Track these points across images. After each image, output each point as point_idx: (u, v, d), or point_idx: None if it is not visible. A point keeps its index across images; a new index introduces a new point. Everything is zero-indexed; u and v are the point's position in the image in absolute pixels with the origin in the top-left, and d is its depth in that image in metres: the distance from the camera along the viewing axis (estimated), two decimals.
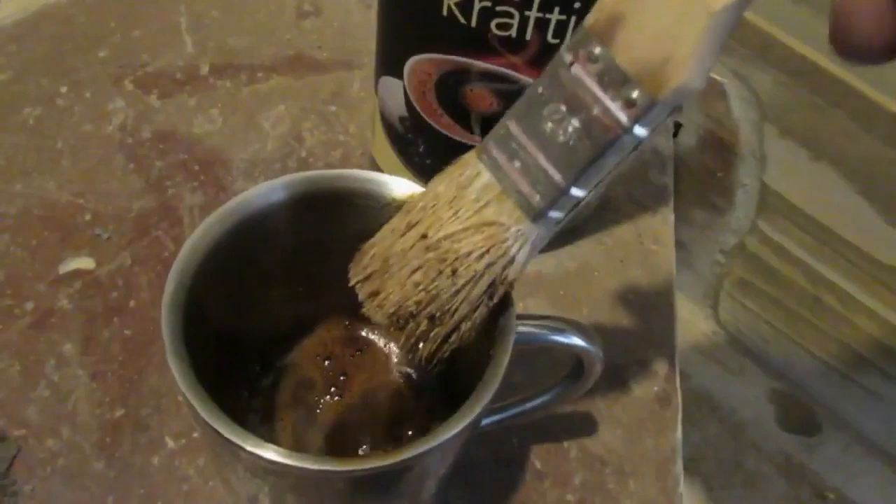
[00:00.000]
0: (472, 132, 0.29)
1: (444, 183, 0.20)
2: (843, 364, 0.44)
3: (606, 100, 0.17)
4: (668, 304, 0.35)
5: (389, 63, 0.29)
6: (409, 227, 0.20)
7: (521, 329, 0.22)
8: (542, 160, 0.18)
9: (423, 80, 0.28)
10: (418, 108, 0.29)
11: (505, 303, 0.22)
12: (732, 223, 0.43)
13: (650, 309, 0.35)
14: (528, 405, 0.26)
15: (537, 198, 0.19)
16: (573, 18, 0.24)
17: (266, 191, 0.22)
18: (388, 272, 0.20)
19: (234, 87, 0.40)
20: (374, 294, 0.21)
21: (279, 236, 0.23)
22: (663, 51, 0.16)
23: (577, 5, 0.24)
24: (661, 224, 0.37)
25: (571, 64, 0.18)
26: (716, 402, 0.47)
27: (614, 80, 0.17)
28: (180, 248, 0.33)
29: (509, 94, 0.27)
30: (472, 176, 0.19)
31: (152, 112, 0.38)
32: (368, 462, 0.18)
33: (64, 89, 0.38)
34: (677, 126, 0.42)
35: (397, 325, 0.20)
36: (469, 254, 0.19)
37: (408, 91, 0.29)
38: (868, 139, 0.36)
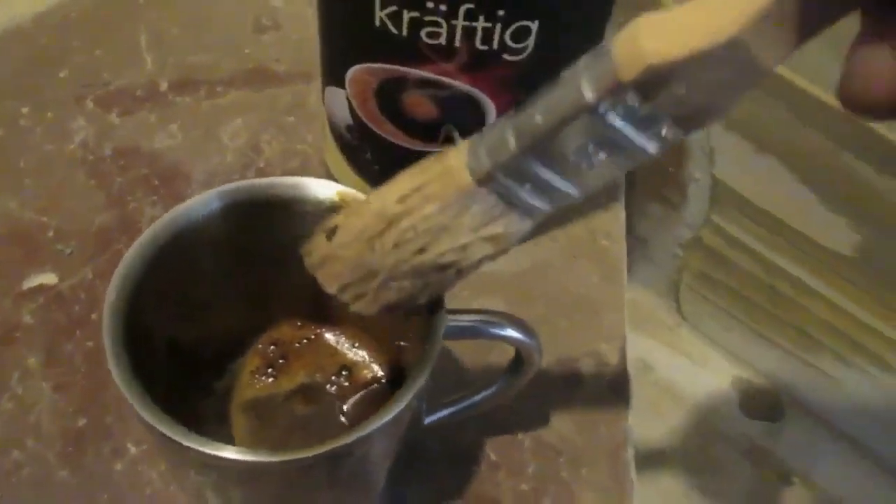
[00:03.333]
0: (414, 137, 0.30)
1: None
2: (802, 349, 0.45)
3: (581, 76, 0.16)
4: (619, 297, 0.36)
5: (332, 73, 0.30)
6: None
7: (455, 323, 0.23)
8: (508, 132, 0.18)
9: (363, 88, 0.29)
10: (362, 116, 0.30)
11: (436, 300, 0.22)
12: (687, 217, 0.44)
13: (602, 303, 0.36)
14: (475, 399, 0.27)
15: (485, 160, 0.18)
16: (498, 25, 0.25)
17: (203, 200, 0.23)
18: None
19: (193, 102, 0.41)
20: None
21: (220, 244, 0.24)
22: (647, 34, 0.15)
23: (500, 13, 0.25)
24: (612, 220, 0.39)
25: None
26: (680, 392, 0.48)
27: (598, 55, 0.16)
28: None
29: (446, 100, 0.28)
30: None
31: (113, 129, 0.39)
32: (299, 453, 0.19)
33: (26, 110, 0.39)
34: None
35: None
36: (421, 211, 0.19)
37: (351, 100, 0.30)
38: (808, 131, 0.37)
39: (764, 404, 0.51)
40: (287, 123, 0.40)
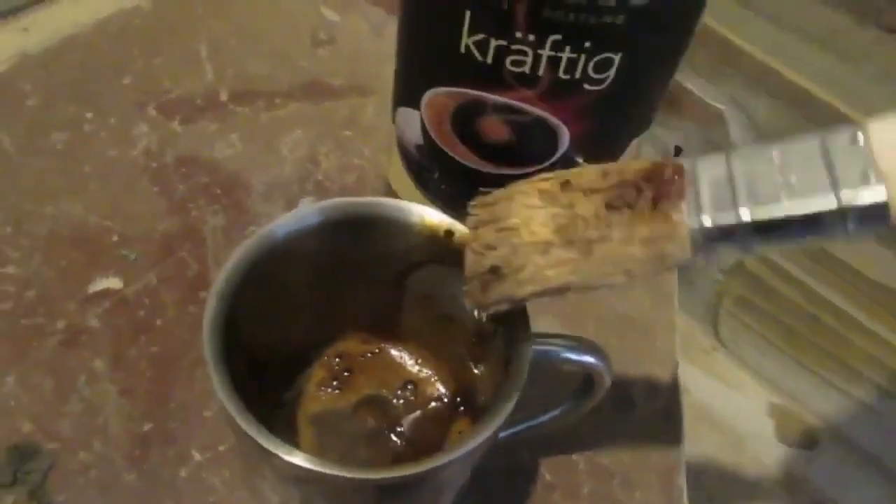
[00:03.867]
0: (486, 160, 0.30)
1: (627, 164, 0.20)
2: (840, 379, 0.45)
3: (840, 180, 0.17)
4: (670, 321, 0.36)
5: (407, 95, 0.31)
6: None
7: (536, 347, 0.23)
8: (741, 198, 0.18)
9: (440, 111, 0.29)
10: (435, 138, 0.30)
11: (522, 322, 0.23)
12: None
13: (653, 325, 0.36)
14: (541, 419, 0.27)
15: (710, 226, 0.18)
16: (583, 56, 0.26)
17: (301, 217, 0.23)
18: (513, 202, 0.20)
19: (252, 112, 0.41)
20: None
21: (310, 260, 0.24)
22: None
23: (587, 45, 0.25)
24: None
25: (814, 137, 0.18)
26: (716, 416, 0.48)
27: (863, 164, 0.17)
28: (204, 269, 0.35)
29: (522, 125, 0.28)
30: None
31: (175, 137, 0.40)
32: (395, 471, 0.20)
33: (90, 115, 0.40)
34: (678, 150, 0.43)
35: (474, 257, 0.20)
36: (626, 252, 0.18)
37: (425, 121, 0.30)
38: None
39: (799, 432, 0.51)
40: (344, 137, 0.41)
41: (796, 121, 0.38)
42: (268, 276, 0.23)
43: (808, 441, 0.50)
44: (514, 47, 0.26)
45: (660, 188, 0.19)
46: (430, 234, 0.24)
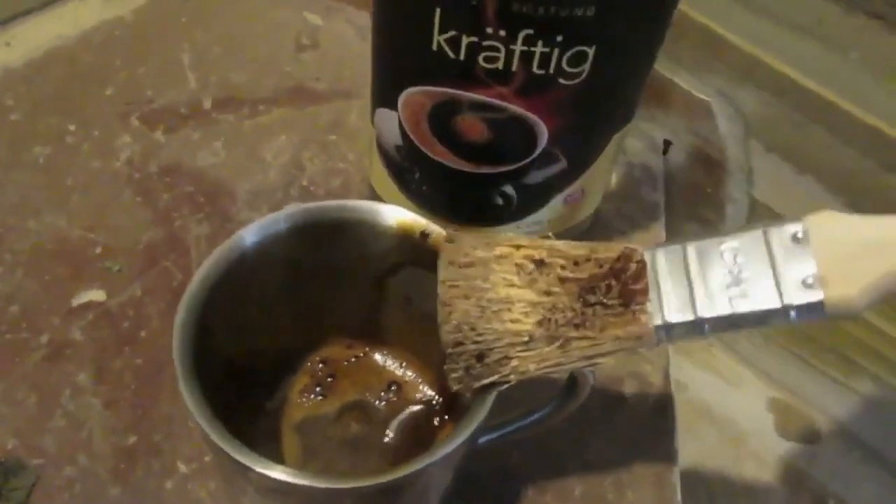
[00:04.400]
0: (464, 159, 0.30)
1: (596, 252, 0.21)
2: (839, 372, 0.45)
3: (782, 278, 0.19)
4: None
5: (384, 96, 0.30)
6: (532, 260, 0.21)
7: None
8: (699, 292, 0.20)
9: (416, 111, 0.29)
10: (413, 138, 0.30)
11: None
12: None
13: None
14: (526, 421, 0.27)
15: (671, 320, 0.20)
16: (556, 50, 0.25)
17: (268, 223, 0.23)
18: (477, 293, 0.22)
19: (236, 119, 0.41)
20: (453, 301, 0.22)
21: (283, 265, 0.24)
22: (858, 265, 0.18)
23: (559, 38, 0.25)
24: (652, 239, 0.39)
25: (760, 231, 0.20)
26: (715, 412, 0.48)
27: (802, 264, 0.18)
28: (188, 278, 0.34)
29: (499, 123, 0.28)
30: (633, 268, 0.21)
31: (158, 147, 0.39)
32: (372, 479, 0.19)
33: (73, 127, 0.40)
34: (667, 144, 0.43)
35: (451, 343, 0.21)
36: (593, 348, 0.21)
37: (402, 122, 0.30)
38: (848, 152, 0.37)
39: (800, 426, 0.50)
40: (328, 142, 0.41)
41: (784, 111, 0.38)
42: (239, 284, 0.23)
43: (808, 435, 0.49)
44: (485, 43, 0.25)
45: (627, 285, 0.21)
46: (405, 236, 0.24)
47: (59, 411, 0.30)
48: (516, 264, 0.21)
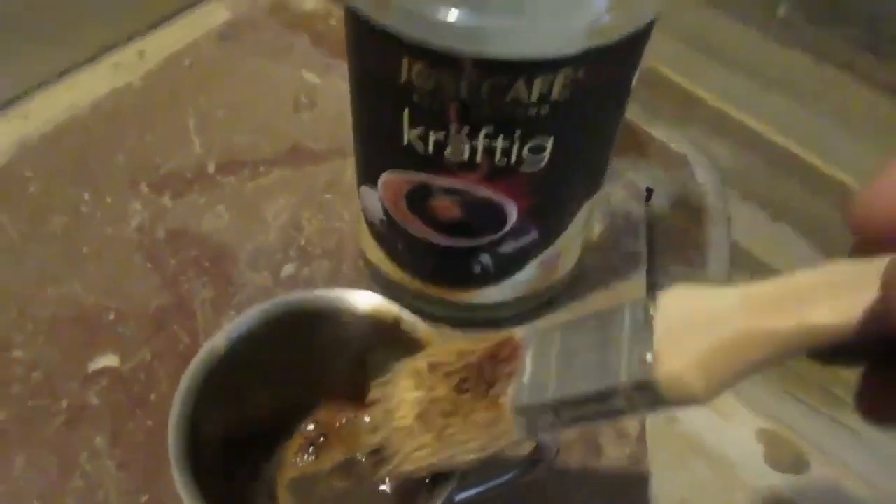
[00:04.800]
0: (442, 233, 0.32)
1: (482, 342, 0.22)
2: (826, 406, 0.46)
3: (622, 360, 0.18)
4: None
5: (366, 175, 0.33)
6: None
7: None
8: (552, 375, 0.20)
9: (395, 191, 0.31)
10: (393, 215, 0.32)
11: None
12: (709, 277, 0.46)
13: None
14: (494, 482, 0.29)
15: (524, 401, 0.20)
16: (516, 144, 0.27)
17: (252, 316, 0.25)
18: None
19: (238, 182, 0.44)
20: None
21: (271, 351, 0.27)
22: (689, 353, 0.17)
23: (517, 134, 0.27)
24: (633, 289, 0.40)
25: (622, 312, 0.19)
26: (706, 444, 0.49)
27: (644, 345, 0.18)
28: (194, 342, 0.37)
29: (470, 204, 0.30)
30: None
31: (165, 212, 0.42)
32: None
33: (87, 196, 0.43)
34: (650, 192, 0.44)
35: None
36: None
37: (383, 200, 0.32)
38: (818, 202, 0.38)
39: (789, 456, 0.52)
40: (325, 201, 0.43)
41: (755, 163, 0.39)
42: (233, 371, 0.25)
43: (798, 465, 0.51)
44: (451, 139, 0.28)
45: (495, 370, 0.21)
46: (380, 321, 0.26)
47: (77, 473, 0.33)
48: (415, 371, 0.23)
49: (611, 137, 0.31)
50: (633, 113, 0.42)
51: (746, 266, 0.43)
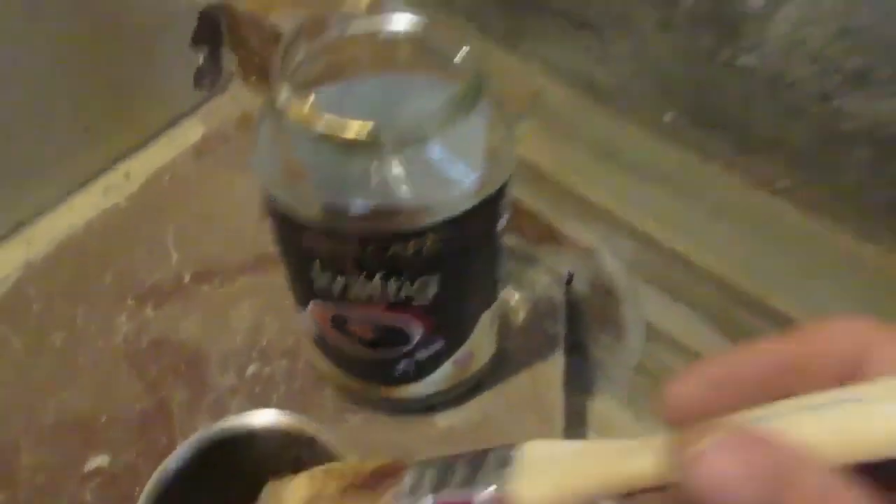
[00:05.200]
0: (365, 348, 0.38)
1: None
2: None
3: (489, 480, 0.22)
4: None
5: (298, 301, 0.39)
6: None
7: None
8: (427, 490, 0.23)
9: (321, 316, 0.38)
10: (323, 334, 0.39)
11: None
12: (630, 346, 0.52)
13: None
14: None
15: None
16: (405, 283, 0.34)
17: (177, 456, 0.32)
18: None
19: (210, 290, 0.51)
20: None
21: (207, 478, 0.33)
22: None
23: (404, 275, 0.33)
24: (552, 369, 0.46)
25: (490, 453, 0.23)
26: None
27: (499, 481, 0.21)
28: (171, 441, 0.43)
29: (381, 327, 0.36)
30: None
31: (148, 322, 0.49)
32: None
33: (82, 311, 0.50)
34: (570, 276, 0.50)
35: None
36: None
37: (314, 321, 0.38)
38: (707, 290, 0.44)
39: None
40: (284, 306, 0.49)
41: (649, 256, 0.45)
42: (180, 494, 0.32)
43: None
44: (351, 283, 0.34)
45: (381, 480, 0.26)
46: (297, 437, 0.32)
47: None
48: (311, 476, 0.27)
49: (491, 266, 0.37)
50: (545, 208, 0.48)
51: (662, 340, 0.49)
